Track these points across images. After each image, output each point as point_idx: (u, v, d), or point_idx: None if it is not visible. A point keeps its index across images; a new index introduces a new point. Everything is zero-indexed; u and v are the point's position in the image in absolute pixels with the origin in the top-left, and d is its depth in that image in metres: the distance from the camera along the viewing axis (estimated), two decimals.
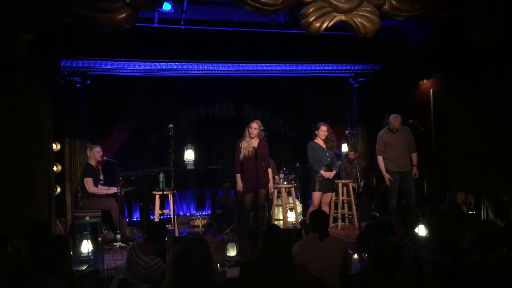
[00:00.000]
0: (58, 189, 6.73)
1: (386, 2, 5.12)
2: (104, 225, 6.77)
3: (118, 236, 6.52)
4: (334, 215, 7.38)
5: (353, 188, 7.42)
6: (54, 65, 6.21)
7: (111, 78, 7.69)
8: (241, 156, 6.26)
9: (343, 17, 4.99)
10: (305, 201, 8.11)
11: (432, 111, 7.51)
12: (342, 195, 7.37)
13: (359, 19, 5.01)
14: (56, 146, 6.75)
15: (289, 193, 7.09)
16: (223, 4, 6.37)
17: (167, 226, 4.64)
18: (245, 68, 8.12)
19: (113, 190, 6.73)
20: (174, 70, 7.85)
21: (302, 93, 8.76)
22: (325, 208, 6.51)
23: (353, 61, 8.23)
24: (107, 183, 7.02)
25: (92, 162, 6.86)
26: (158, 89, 8.12)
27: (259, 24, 6.90)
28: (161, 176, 6.68)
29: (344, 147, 8.35)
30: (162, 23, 6.70)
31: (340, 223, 7.35)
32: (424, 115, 7.46)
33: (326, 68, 8.38)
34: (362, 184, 7.81)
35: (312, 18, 4.88)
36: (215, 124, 8.56)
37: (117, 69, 7.55)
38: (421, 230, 4.30)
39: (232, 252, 5.17)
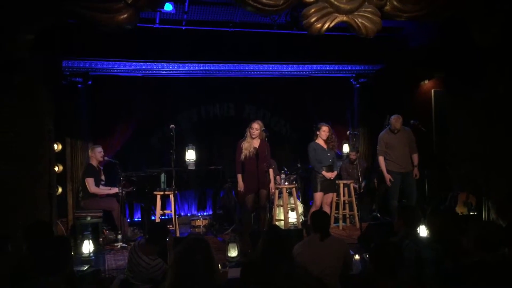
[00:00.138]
0: (60, 190, 6.73)
1: (387, 3, 5.12)
2: (105, 226, 6.79)
3: (119, 237, 6.52)
4: (335, 215, 7.38)
5: (354, 188, 7.42)
6: (55, 66, 6.21)
7: (112, 79, 7.70)
8: (242, 157, 6.26)
9: (345, 18, 4.99)
10: (306, 201, 8.12)
11: (433, 112, 7.50)
12: (343, 196, 7.37)
13: (360, 20, 5.00)
14: (57, 147, 6.76)
15: (290, 194, 7.09)
16: (225, 5, 6.37)
17: (168, 226, 4.62)
18: (246, 68, 8.13)
19: (114, 190, 6.74)
20: (175, 70, 7.86)
21: (303, 93, 8.76)
22: (326, 209, 6.50)
23: (354, 61, 8.23)
24: (109, 183, 7.03)
25: (94, 163, 6.88)
26: (159, 90, 8.13)
27: (260, 24, 6.90)
28: (162, 176, 6.68)
29: (345, 148, 8.35)
30: (164, 23, 6.70)
31: (341, 223, 7.35)
32: (425, 115, 7.45)
33: (327, 68, 8.38)
34: (363, 184, 7.82)
35: (313, 19, 4.88)
36: (216, 125, 8.56)
37: (119, 69, 7.56)
38: (422, 231, 4.30)
39: (233, 252, 5.17)
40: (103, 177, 7.02)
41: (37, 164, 5.18)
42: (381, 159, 6.83)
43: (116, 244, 6.43)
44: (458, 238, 3.48)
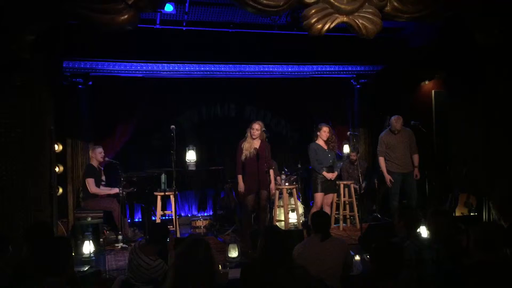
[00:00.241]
0: (60, 190, 6.74)
1: (388, 4, 5.12)
2: (106, 226, 6.79)
3: (120, 237, 6.52)
4: (336, 216, 7.37)
5: (355, 189, 7.41)
6: (56, 66, 6.21)
7: (113, 79, 7.70)
8: (243, 157, 6.26)
9: (345, 19, 4.99)
10: (307, 202, 8.12)
11: (433, 112, 7.50)
12: (344, 196, 7.36)
13: (360, 21, 5.00)
14: (58, 147, 6.76)
15: (290, 194, 7.10)
16: (225, 6, 6.36)
17: (168, 227, 4.63)
18: (247, 69, 8.12)
19: (115, 191, 6.74)
20: (176, 71, 7.85)
21: (304, 94, 8.75)
22: (327, 209, 6.50)
23: (354, 62, 8.22)
24: (109, 184, 7.04)
25: (94, 163, 6.88)
26: (160, 90, 8.12)
27: (261, 25, 6.90)
28: (163, 177, 6.69)
29: (346, 148, 8.35)
30: (164, 24, 6.69)
31: (341, 224, 7.34)
32: (426, 116, 7.45)
33: (327, 69, 8.37)
34: (363, 185, 7.82)
35: (314, 20, 4.88)
36: (217, 125, 8.57)
37: (119, 70, 7.55)
38: (423, 231, 4.30)
39: (233, 253, 5.16)
40: (103, 178, 7.02)
41: (38, 164, 5.18)
42: (381, 159, 6.83)
43: (116, 245, 6.43)
44: (458, 239, 3.48)
